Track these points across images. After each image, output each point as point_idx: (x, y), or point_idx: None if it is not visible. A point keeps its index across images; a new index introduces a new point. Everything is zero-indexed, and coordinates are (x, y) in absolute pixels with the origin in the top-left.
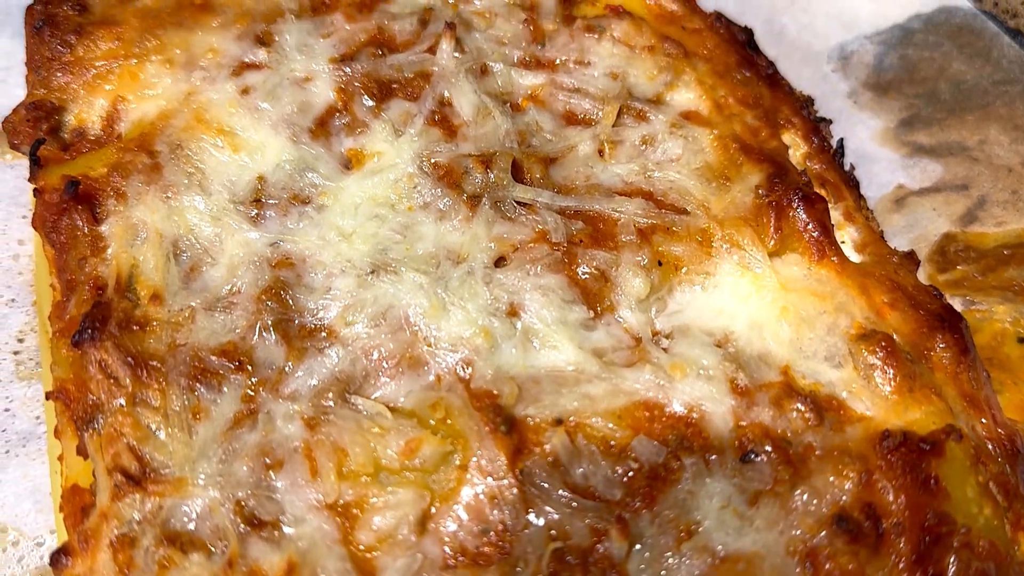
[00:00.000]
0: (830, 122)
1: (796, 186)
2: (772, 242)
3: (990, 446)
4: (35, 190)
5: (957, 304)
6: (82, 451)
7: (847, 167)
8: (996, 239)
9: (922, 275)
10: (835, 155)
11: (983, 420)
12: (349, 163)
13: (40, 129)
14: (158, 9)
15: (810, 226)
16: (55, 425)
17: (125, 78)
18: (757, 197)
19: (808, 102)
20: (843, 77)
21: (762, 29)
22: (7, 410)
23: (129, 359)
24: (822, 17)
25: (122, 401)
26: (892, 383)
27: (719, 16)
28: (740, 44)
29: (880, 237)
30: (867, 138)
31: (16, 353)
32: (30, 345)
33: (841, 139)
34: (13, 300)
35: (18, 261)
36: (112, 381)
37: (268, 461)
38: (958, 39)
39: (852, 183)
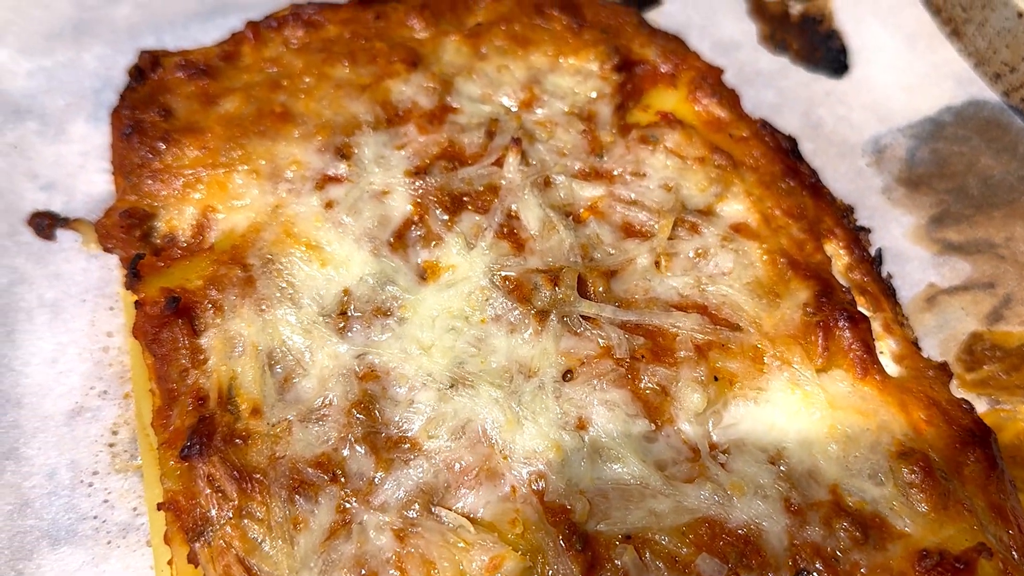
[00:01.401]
0: (869, 231)
1: (842, 305)
2: (820, 360)
3: (1015, 555)
4: (136, 302)
5: (983, 404)
6: (192, 559)
7: (885, 274)
8: (1020, 338)
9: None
10: (874, 263)
11: (1010, 531)
12: (424, 274)
13: (133, 235)
14: (241, 116)
15: (855, 345)
16: (164, 531)
17: (214, 187)
18: (805, 315)
19: (848, 211)
20: (877, 172)
21: (799, 121)
22: (106, 501)
23: (235, 473)
24: (858, 109)
25: (230, 514)
26: (928, 501)
27: (764, 123)
28: (785, 152)
29: (916, 350)
30: (900, 235)
31: (111, 445)
32: (124, 437)
33: (879, 249)
34: (105, 392)
35: (108, 353)
36: (220, 495)
37: (364, 572)
38: (986, 133)
39: (890, 292)
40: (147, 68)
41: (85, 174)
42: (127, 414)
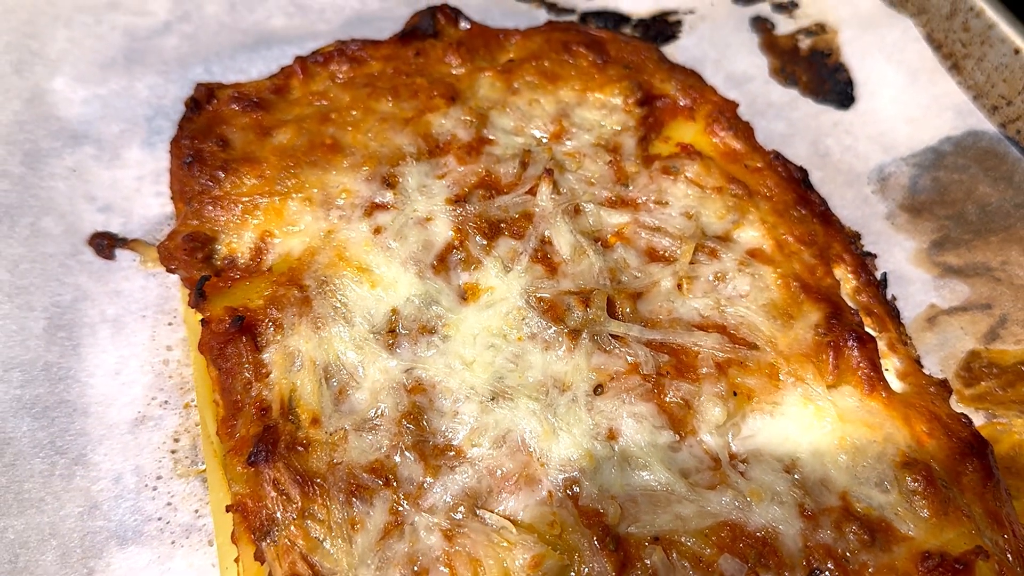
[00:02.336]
0: (875, 256)
1: (851, 327)
2: (831, 377)
3: (1010, 558)
4: (202, 320)
5: (981, 418)
6: (259, 557)
7: (889, 296)
8: (1015, 356)
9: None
10: (879, 287)
11: (1005, 536)
12: (465, 295)
13: (195, 257)
14: (293, 148)
15: (862, 364)
16: (231, 531)
17: (270, 213)
18: (817, 335)
19: (855, 237)
20: (882, 199)
21: (808, 151)
22: (169, 504)
23: (298, 477)
24: (863, 139)
25: (294, 515)
26: (930, 508)
27: (777, 155)
28: (796, 182)
29: (918, 367)
30: (903, 259)
31: (173, 452)
32: (185, 444)
33: (884, 273)
34: (166, 402)
35: (168, 366)
36: (284, 497)
37: (416, 569)
38: (984, 162)
39: (894, 313)
40: (203, 100)
41: (141, 197)
42: (188, 423)
